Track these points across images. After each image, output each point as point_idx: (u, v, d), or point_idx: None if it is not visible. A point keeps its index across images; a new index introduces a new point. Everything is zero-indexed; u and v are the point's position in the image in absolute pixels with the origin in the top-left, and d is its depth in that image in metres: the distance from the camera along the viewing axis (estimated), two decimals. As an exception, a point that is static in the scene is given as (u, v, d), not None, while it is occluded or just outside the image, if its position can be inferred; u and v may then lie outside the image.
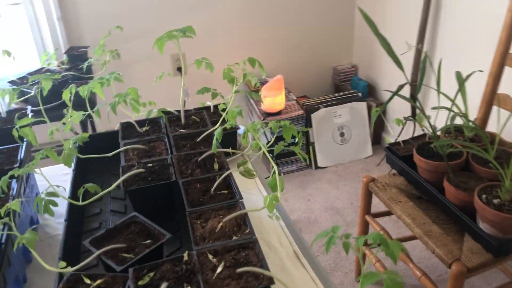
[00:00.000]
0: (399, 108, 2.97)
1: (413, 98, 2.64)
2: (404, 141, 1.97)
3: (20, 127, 1.15)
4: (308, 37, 3.23)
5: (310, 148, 3.00)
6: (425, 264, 2.26)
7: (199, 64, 1.38)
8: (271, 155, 1.10)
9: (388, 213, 2.08)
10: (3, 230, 0.87)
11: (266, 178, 1.41)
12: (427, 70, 2.62)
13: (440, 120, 1.70)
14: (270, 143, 1.17)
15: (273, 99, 2.81)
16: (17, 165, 1.14)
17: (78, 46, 2.68)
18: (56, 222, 1.28)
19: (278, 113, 2.88)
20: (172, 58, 3.06)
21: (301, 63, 3.29)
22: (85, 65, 2.29)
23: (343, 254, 2.37)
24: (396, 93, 1.61)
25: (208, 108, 1.53)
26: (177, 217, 1.12)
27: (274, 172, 1.02)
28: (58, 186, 0.97)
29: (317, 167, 3.03)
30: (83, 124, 2.35)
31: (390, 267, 2.24)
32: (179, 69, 3.11)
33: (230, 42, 3.08)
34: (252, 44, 3.12)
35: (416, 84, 2.46)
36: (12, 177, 1.05)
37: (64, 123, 1.28)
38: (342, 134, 3.05)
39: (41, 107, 1.23)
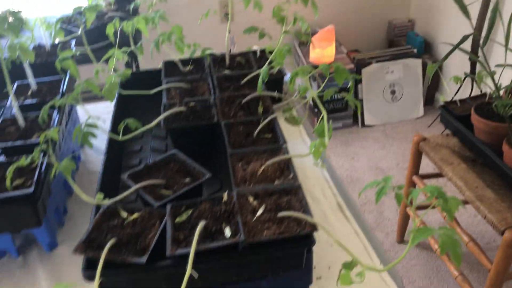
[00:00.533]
0: (455, 67, 2.78)
1: (475, 54, 2.45)
2: (461, 100, 1.84)
3: (63, 60, 1.12)
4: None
5: (358, 104, 2.88)
6: (472, 230, 2.16)
7: (247, 3, 1.30)
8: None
9: (437, 175, 1.97)
10: (43, 158, 0.86)
11: (313, 132, 1.34)
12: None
13: (504, 80, 1.55)
14: (319, 90, 1.10)
15: (323, 50, 2.69)
16: (59, 97, 1.12)
17: (126, -13, 2.62)
18: (98, 158, 1.27)
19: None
20: (221, 3, 2.97)
21: (355, 14, 3.12)
22: (131, 5, 2.25)
23: (385, 214, 2.30)
24: (459, 44, 1.47)
25: (254, 52, 1.46)
26: (217, 159, 1.08)
27: (322, 118, 0.95)
28: (98, 118, 0.95)
29: (363, 125, 2.92)
30: (128, 65, 2.34)
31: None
32: (227, 15, 3.02)
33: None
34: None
35: (479, 39, 2.27)
36: (53, 108, 1.04)
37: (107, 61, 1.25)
38: (393, 92, 2.90)
39: (84, 38, 1.20)
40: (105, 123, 1.42)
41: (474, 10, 2.41)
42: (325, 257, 0.95)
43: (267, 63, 1.23)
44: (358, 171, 2.58)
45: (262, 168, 0.87)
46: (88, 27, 1.18)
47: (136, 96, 1.18)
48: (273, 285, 0.81)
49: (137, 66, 2.40)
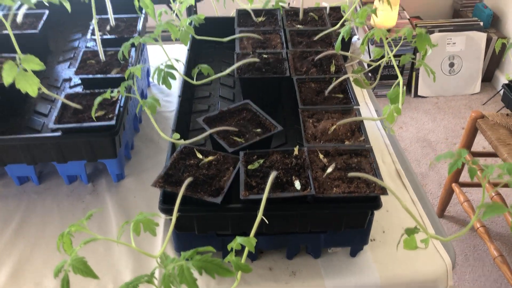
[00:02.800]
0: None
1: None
2: (527, 81, 1.77)
3: (142, -1, 1.14)
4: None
5: (414, 73, 2.81)
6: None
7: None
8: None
9: (490, 155, 1.93)
10: (126, 92, 0.89)
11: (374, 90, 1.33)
12: None
13: None
14: (394, 51, 1.08)
15: (386, 13, 2.60)
16: (136, 34, 1.15)
17: None
18: (163, 100, 1.31)
19: (388, 31, 2.68)
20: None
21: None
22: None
23: (428, 187, 2.29)
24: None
25: (324, 8, 1.44)
26: (284, 113, 1.10)
27: (398, 84, 0.94)
28: (177, 61, 0.97)
29: (416, 95, 2.86)
30: (189, 10, 2.33)
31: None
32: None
33: None
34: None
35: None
36: (132, 45, 1.07)
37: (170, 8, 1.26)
38: (451, 65, 2.81)
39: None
40: (175, 63, 1.45)
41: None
42: (380, 221, 0.97)
43: (341, 21, 1.22)
44: (405, 141, 2.56)
45: (334, 127, 0.89)
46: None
47: (208, 42, 1.19)
48: (331, 240, 0.85)
49: (195, 11, 2.40)
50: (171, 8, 1.94)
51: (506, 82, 1.78)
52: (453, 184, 2.02)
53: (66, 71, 1.19)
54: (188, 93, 1.09)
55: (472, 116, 1.85)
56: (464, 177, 2.23)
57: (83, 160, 0.95)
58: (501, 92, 1.76)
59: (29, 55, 0.69)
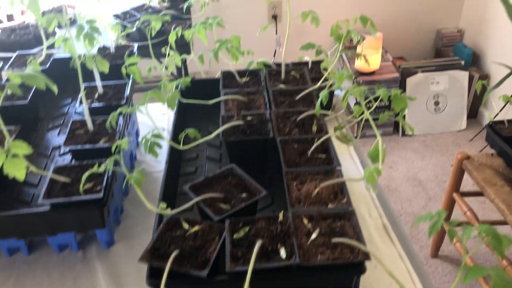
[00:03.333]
0: (504, 82, 2.72)
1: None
2: (509, 121, 1.81)
3: (129, 65, 1.19)
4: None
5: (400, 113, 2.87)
6: (509, 252, 2.13)
7: (305, 17, 1.33)
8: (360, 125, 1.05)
9: (478, 194, 1.96)
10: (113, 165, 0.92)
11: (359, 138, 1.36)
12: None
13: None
14: (372, 109, 1.12)
15: (368, 58, 2.68)
16: (124, 101, 1.18)
17: (179, -15, 2.68)
18: (152, 159, 1.33)
19: (372, 73, 2.76)
20: (270, 5, 2.99)
21: (403, 22, 3.09)
22: (185, 5, 2.31)
23: (421, 226, 2.30)
24: (515, 70, 1.46)
25: (306, 63, 1.49)
26: (269, 173, 1.12)
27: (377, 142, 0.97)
28: (163, 129, 1.00)
29: (404, 135, 2.91)
30: (177, 66, 2.40)
31: (471, 249, 2.15)
32: (274, 17, 3.04)
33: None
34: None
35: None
36: (119, 113, 1.10)
37: (160, 62, 1.31)
38: (436, 103, 2.87)
39: (150, 47, 1.26)
40: (162, 124, 1.48)
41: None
42: (368, 278, 0.98)
43: (321, 81, 1.26)
44: (396, 180, 2.58)
45: (317, 190, 0.91)
46: (153, 35, 1.24)
47: (193, 103, 1.23)
48: (320, 304, 0.85)
49: (185, 66, 2.47)
50: (160, 62, 2.00)
51: (489, 122, 1.83)
52: (445, 224, 2.03)
53: (56, 138, 1.21)
54: (175, 156, 1.12)
55: (458, 157, 1.89)
56: (457, 215, 2.24)
57: (72, 231, 0.97)
58: (485, 129, 1.80)
59: (18, 141, 0.72)
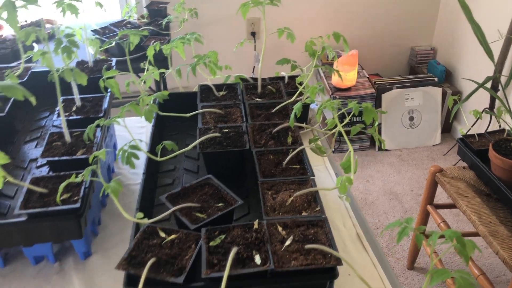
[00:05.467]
0: (475, 99, 2.81)
1: (494, 89, 2.49)
2: (479, 135, 1.88)
3: (107, 78, 1.20)
4: (389, 13, 3.10)
5: (375, 135, 2.93)
6: (482, 262, 2.19)
7: (281, 33, 1.37)
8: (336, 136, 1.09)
9: (451, 206, 2.01)
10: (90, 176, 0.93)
11: (334, 151, 1.40)
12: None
13: (524, 117, 1.60)
14: (345, 122, 1.15)
15: (345, 74, 2.75)
16: (101, 114, 1.20)
17: (158, 1, 2.72)
18: (130, 172, 1.34)
19: (348, 89, 2.82)
20: (248, 22, 3.05)
21: (378, 39, 3.18)
22: (164, 21, 2.34)
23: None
24: (482, 85, 1.53)
25: (282, 78, 1.53)
26: (246, 183, 1.14)
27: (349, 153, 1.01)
28: (140, 141, 1.02)
29: (380, 149, 2.97)
30: (156, 81, 2.42)
31: (446, 262, 2.19)
32: (253, 34, 3.10)
33: (303, 10, 3.01)
34: (327, 15, 3.03)
35: (499, 76, 2.32)
36: (97, 126, 1.11)
37: (139, 76, 1.32)
38: (411, 118, 2.95)
39: (128, 61, 1.28)
40: (140, 136, 1.49)
41: (497, 47, 2.45)
42: (342, 285, 1.01)
43: (296, 95, 1.30)
44: (373, 194, 2.63)
45: (291, 199, 0.93)
46: (132, 49, 1.26)
47: (171, 116, 1.25)
48: (294, 311, 0.87)
49: (164, 81, 2.49)
50: (139, 76, 2.02)
51: (461, 137, 1.89)
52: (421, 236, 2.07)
53: (33, 151, 1.22)
54: (152, 168, 1.13)
55: (431, 170, 1.94)
56: (431, 227, 2.29)
57: (49, 242, 0.97)
58: (457, 143, 1.86)
59: (-5, 151, 0.73)
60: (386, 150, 2.97)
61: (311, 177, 1.00)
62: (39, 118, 1.36)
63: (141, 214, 0.89)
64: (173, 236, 0.86)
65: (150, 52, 1.36)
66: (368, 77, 2.97)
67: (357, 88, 2.84)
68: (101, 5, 1.48)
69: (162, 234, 0.87)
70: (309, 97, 1.10)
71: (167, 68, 1.47)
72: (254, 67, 3.13)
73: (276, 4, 1.34)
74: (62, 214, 0.91)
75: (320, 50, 1.35)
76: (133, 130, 1.39)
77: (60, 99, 1.04)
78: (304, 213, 0.91)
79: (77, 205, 0.91)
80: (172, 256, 0.82)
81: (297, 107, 1.05)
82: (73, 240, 1.02)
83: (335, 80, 2.80)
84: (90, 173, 0.88)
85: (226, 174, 1.09)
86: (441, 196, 2.52)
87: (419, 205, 2.56)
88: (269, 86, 1.37)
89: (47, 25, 2.52)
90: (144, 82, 1.32)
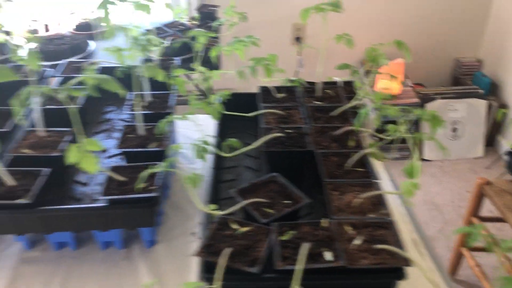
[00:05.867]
0: (523, 112, 2.78)
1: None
2: (529, 149, 1.86)
3: (175, 77, 1.26)
4: (435, 23, 3.09)
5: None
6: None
7: (340, 39, 1.40)
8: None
9: (497, 220, 1.99)
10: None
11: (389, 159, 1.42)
12: None
13: None
14: (404, 129, 1.17)
15: (390, 82, 2.75)
16: (169, 110, 1.25)
17: (208, 4, 2.79)
18: (188, 167, 1.39)
19: (392, 97, 2.82)
20: (294, 27, 3.09)
21: (422, 49, 3.16)
22: (215, 24, 2.40)
23: (437, 250, 2.32)
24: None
25: (335, 83, 1.55)
26: (305, 184, 1.17)
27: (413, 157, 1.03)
28: (211, 137, 1.06)
29: (422, 159, 2.95)
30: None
31: (489, 275, 2.17)
32: (297, 39, 3.13)
33: (346, 19, 3.01)
34: (370, 24, 3.04)
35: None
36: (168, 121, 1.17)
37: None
38: (454, 130, 2.93)
39: (196, 60, 1.33)
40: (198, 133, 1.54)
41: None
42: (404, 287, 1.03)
43: (355, 98, 1.33)
44: (413, 204, 2.62)
45: (359, 200, 0.96)
46: (200, 49, 1.31)
47: (233, 115, 1.29)
48: (357, 308, 0.90)
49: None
50: (190, 78, 2.08)
51: (509, 148, 1.88)
52: (462, 248, 2.06)
53: (103, 142, 1.28)
54: (218, 163, 1.18)
55: (478, 182, 1.93)
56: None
57: (124, 228, 1.02)
58: (504, 156, 1.85)
59: (91, 139, 0.79)
60: (428, 160, 2.95)
61: (377, 181, 1.02)
62: (104, 111, 1.43)
63: (214, 206, 0.94)
64: (246, 229, 0.90)
65: (213, 54, 1.41)
66: (412, 87, 2.96)
67: (401, 97, 2.84)
68: (170, 7, 1.54)
69: (234, 226, 0.91)
70: (376, 103, 1.13)
71: (216, 69, 1.52)
72: (296, 71, 3.16)
73: (338, 11, 1.37)
74: (140, 202, 0.96)
75: (376, 57, 1.37)
76: (190, 127, 1.44)
77: (132, 94, 1.10)
78: (370, 215, 0.94)
79: (155, 194, 0.96)
80: (246, 247, 0.86)
81: (364, 112, 1.08)
82: (141, 229, 1.07)
83: (379, 86, 2.81)
84: (168, 164, 0.93)
85: (287, 173, 1.12)
86: (483, 209, 2.49)
87: (459, 217, 2.53)
88: (327, 90, 1.40)
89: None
90: (205, 80, 1.37)
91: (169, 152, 1.10)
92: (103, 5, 0.87)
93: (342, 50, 1.50)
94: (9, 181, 0.96)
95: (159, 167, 0.92)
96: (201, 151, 1.02)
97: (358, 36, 3.00)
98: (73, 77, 1.10)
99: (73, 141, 1.11)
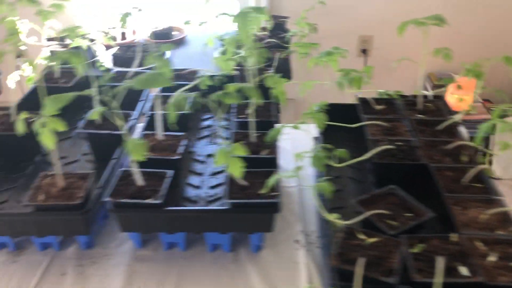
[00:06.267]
0: None
1: None
2: None
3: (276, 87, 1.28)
4: (503, 38, 3.01)
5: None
6: None
7: (438, 53, 1.40)
8: None
9: None
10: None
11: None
12: None
13: None
14: None
15: (461, 97, 2.69)
16: (273, 119, 1.28)
17: (278, 16, 2.81)
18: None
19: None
20: (360, 39, 3.08)
21: (491, 65, 3.08)
22: (288, 34, 2.42)
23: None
24: None
25: (425, 96, 1.54)
26: (418, 197, 1.16)
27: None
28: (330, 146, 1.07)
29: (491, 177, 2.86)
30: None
31: None
32: (363, 51, 3.12)
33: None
34: (436, 35, 2.98)
35: None
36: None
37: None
38: (527, 148, 2.83)
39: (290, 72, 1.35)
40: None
41: None
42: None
43: (460, 113, 1.31)
44: (483, 223, 2.54)
45: (485, 216, 0.95)
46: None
47: (332, 125, 1.30)
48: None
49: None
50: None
51: None
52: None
53: (208, 147, 1.32)
54: (324, 173, 1.18)
55: None
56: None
57: (243, 231, 1.05)
58: None
59: (237, 144, 0.81)
60: (497, 178, 2.86)
61: (501, 197, 1.00)
62: (204, 119, 1.47)
63: (337, 215, 0.94)
64: (374, 239, 0.90)
65: (310, 64, 1.43)
66: (482, 102, 2.89)
67: (471, 113, 2.77)
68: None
69: (361, 236, 0.91)
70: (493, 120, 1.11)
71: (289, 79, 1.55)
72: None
73: (441, 25, 1.37)
74: (263, 206, 0.98)
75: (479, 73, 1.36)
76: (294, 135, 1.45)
77: (245, 102, 1.13)
78: (501, 232, 0.92)
79: (277, 200, 0.98)
80: (377, 257, 0.86)
81: (485, 127, 1.06)
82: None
83: (449, 101, 2.75)
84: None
85: (397, 186, 1.12)
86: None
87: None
88: (428, 104, 1.39)
89: (174, 33, 2.68)
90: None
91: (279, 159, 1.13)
92: (239, 18, 0.90)
93: (406, 64, 1.48)
94: (140, 181, 1.00)
95: (288, 174, 0.94)
96: (319, 160, 1.03)
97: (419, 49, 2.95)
98: (183, 85, 1.15)
99: (189, 145, 1.14)
